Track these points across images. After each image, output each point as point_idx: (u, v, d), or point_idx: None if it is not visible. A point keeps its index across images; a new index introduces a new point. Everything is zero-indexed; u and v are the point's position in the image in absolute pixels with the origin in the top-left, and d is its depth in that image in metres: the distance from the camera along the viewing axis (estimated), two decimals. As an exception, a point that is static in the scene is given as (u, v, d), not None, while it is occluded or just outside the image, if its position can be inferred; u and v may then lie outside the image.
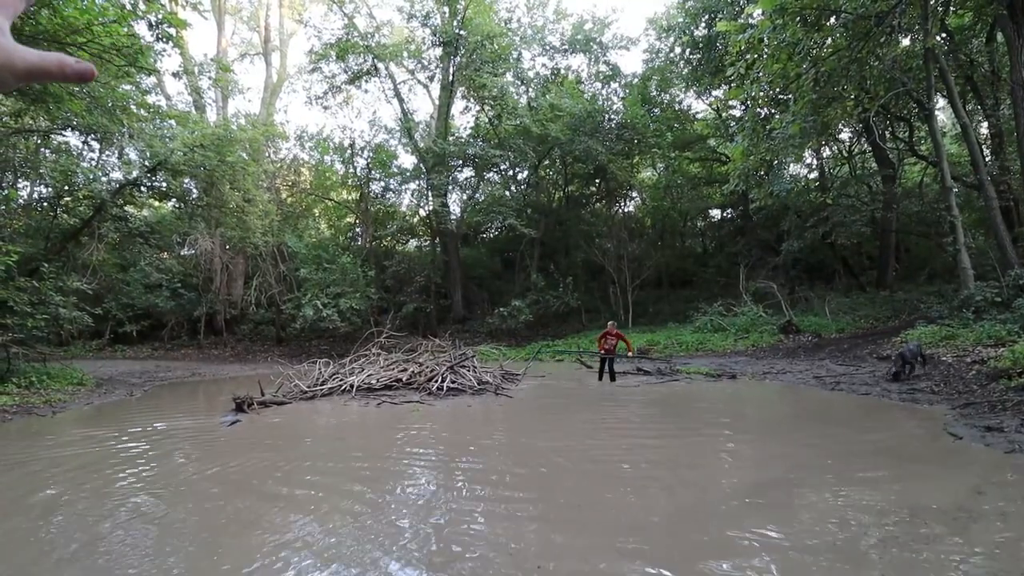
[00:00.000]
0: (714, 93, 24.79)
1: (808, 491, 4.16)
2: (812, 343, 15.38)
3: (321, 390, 10.65)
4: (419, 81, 28.93)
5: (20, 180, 20.22)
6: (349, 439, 6.91)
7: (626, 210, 30.30)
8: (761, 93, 14.82)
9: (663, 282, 28.46)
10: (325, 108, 28.53)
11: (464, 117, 30.19)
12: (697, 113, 27.80)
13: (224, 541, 3.56)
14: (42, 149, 19.15)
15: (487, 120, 27.33)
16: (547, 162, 27.50)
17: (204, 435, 7.37)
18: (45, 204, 18.43)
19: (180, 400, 11.59)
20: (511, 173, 28.80)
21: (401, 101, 27.20)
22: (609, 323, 12.40)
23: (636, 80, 26.17)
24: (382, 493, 4.53)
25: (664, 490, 4.42)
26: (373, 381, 10.98)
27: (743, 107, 19.50)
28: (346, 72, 26.28)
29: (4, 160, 18.25)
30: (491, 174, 29.20)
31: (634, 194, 30.12)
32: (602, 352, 11.86)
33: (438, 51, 25.92)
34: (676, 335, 18.91)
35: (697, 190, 27.88)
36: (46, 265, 13.51)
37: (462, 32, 24.03)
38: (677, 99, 27.02)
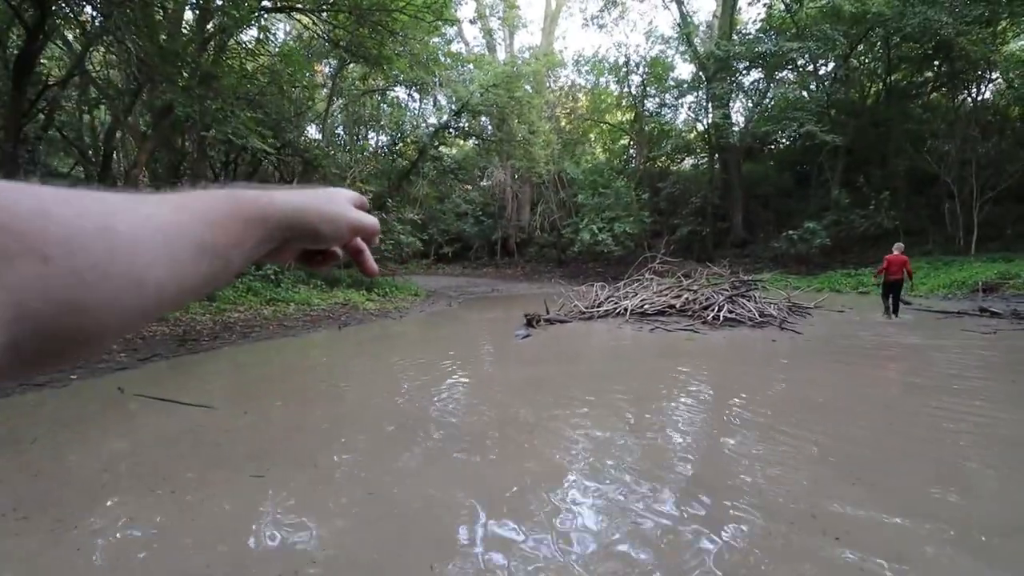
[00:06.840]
0: None
1: None
2: None
3: (597, 312, 11.30)
4: (701, -24, 26.01)
5: (369, 132, 25.74)
6: (623, 361, 7.23)
7: (980, 99, 22.62)
8: None
9: (1031, 194, 20.82)
10: (601, 27, 28.31)
11: (753, 8, 26.15)
12: None
13: (526, 424, 4.19)
14: (381, 104, 23.84)
15: (783, 7, 23.15)
16: (862, 47, 22.19)
17: (503, 345, 8.65)
18: (386, 150, 23.15)
19: (484, 311, 13.85)
20: (811, 68, 24.15)
21: (680, 2, 25.00)
22: (896, 247, 10.33)
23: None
24: (648, 416, 4.65)
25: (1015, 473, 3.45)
26: (646, 306, 11.12)
27: None
28: (622, -19, 25.24)
29: (358, 116, 23.37)
30: (784, 73, 25.06)
31: (995, 74, 22.03)
32: (889, 280, 10.17)
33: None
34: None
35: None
36: (390, 200, 17.24)
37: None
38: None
